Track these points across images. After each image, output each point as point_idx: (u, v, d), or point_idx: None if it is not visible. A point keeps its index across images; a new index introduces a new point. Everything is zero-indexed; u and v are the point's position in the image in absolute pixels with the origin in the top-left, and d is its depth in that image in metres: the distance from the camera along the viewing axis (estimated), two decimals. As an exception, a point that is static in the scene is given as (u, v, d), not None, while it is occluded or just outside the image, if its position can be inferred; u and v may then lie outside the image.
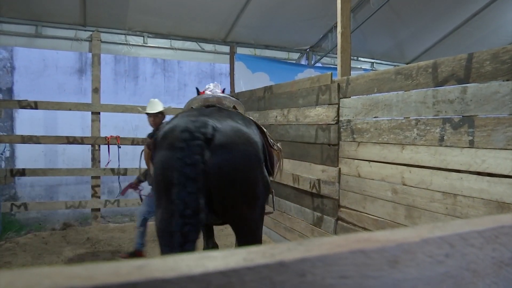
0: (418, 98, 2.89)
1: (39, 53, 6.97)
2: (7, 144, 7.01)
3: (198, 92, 3.66)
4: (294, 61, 8.03)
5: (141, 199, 4.29)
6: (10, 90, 7.50)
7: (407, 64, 8.18)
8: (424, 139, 2.80)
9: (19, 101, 5.72)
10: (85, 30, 6.25)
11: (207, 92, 3.40)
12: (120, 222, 6.36)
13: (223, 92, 3.44)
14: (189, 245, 1.87)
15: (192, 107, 2.70)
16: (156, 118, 4.21)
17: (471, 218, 0.61)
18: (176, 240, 1.89)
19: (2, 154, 7.18)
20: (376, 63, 8.35)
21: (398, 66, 8.13)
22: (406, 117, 2.98)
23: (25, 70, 7.25)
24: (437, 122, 2.71)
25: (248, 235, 2.15)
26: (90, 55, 6.45)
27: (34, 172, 5.75)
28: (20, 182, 6.93)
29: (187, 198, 1.87)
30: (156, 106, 4.22)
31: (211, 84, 3.66)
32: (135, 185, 4.29)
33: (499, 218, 0.60)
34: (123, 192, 4.30)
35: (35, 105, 5.60)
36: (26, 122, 6.96)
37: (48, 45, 6.25)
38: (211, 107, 2.60)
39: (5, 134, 6.85)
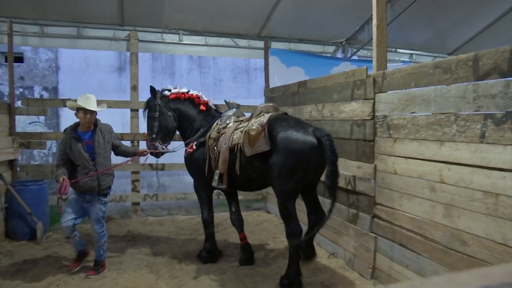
0: (457, 92, 2.77)
1: (81, 53, 7.27)
2: (53, 141, 7.38)
3: (154, 90, 4.36)
4: (329, 55, 7.91)
5: (61, 206, 3.83)
6: (55, 89, 7.88)
7: (448, 55, 7.86)
8: (464, 135, 2.69)
9: (63, 99, 6.00)
10: (123, 30, 6.45)
11: (194, 93, 4.45)
12: (159, 215, 6.55)
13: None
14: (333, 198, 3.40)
15: (262, 112, 3.93)
16: (92, 116, 3.82)
17: (455, 273, 0.55)
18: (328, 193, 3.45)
19: (49, 150, 7.58)
20: (415, 54, 8.07)
21: (438, 57, 7.85)
22: (445, 113, 2.87)
23: (69, 70, 7.59)
24: (478, 118, 2.60)
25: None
26: (128, 53, 6.65)
27: (78, 167, 6.03)
28: (65, 177, 7.29)
29: (334, 170, 3.33)
30: (93, 103, 3.81)
31: (180, 88, 4.46)
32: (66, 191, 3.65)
33: (486, 273, 0.53)
34: (63, 192, 3.62)
35: (78, 104, 5.85)
36: (70, 119, 7.25)
37: (89, 45, 6.51)
38: (282, 115, 3.86)
39: (51, 131, 7.21)
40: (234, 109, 4.35)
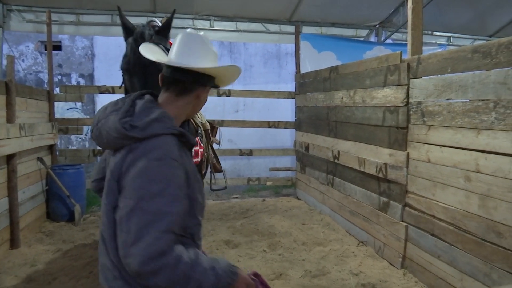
0: (497, 78, 2.64)
1: (115, 40, 7.42)
2: (90, 126, 7.62)
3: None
4: (362, 39, 7.70)
5: None
6: (91, 76, 8.13)
7: (489, 37, 7.49)
8: (503, 123, 2.57)
9: (98, 86, 6.18)
10: (155, 17, 6.51)
11: None
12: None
13: None
14: None
15: None
16: None
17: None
18: None
19: (85, 135, 7.86)
20: (453, 37, 7.72)
21: (478, 39, 7.49)
22: (483, 99, 2.75)
23: (104, 57, 7.78)
24: (519, 105, 2.47)
25: None
26: (160, 40, 6.73)
27: (113, 152, 6.25)
28: (101, 161, 7.57)
29: None
30: None
31: None
32: None
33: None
34: None
35: (112, 90, 6.01)
36: (105, 105, 7.52)
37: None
38: None
39: (87, 117, 7.46)
40: None
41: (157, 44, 2.09)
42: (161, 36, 2.37)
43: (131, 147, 1.33)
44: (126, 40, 2.34)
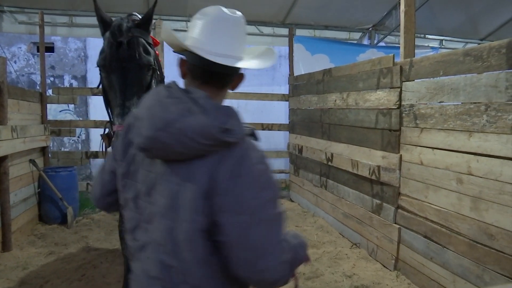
0: (489, 81, 2.67)
1: (108, 42, 7.39)
2: (83, 128, 7.59)
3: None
4: (355, 41, 7.75)
5: None
6: (84, 78, 8.09)
7: (481, 40, 7.56)
8: (494, 126, 2.60)
9: (91, 88, 6.15)
10: (150, 19, 6.51)
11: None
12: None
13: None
14: None
15: None
16: None
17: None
18: None
19: (78, 137, 7.81)
20: (445, 40, 7.79)
21: (470, 43, 7.57)
22: (475, 102, 2.78)
23: (97, 59, 7.73)
24: (510, 108, 2.50)
25: None
26: (154, 42, 6.72)
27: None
28: (94, 163, 7.50)
29: None
30: None
31: None
32: None
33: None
34: None
35: (105, 92, 5.99)
36: (98, 107, 7.47)
37: (116, 34, 6.61)
38: None
39: (80, 119, 7.42)
40: None
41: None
42: (142, 30, 2.19)
43: (220, 155, 1.12)
44: (103, 35, 2.19)
